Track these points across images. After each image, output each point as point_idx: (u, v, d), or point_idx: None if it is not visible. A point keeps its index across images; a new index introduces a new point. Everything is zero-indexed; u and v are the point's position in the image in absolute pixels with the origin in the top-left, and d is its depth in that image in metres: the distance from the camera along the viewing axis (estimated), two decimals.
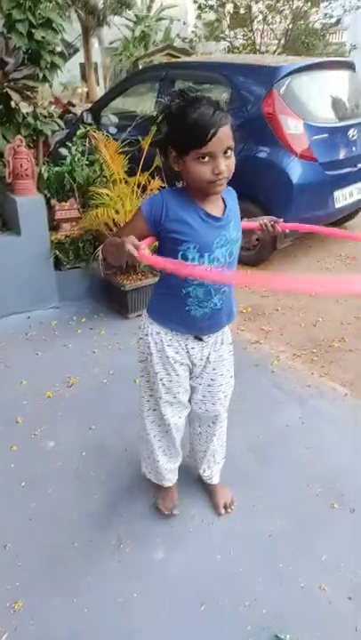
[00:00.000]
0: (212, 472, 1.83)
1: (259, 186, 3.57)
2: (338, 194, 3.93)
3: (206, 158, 1.18)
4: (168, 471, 1.76)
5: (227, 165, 1.20)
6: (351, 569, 1.61)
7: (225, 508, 1.81)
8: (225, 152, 1.19)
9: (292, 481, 1.96)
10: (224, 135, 1.16)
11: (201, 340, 1.48)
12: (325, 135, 3.81)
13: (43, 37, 3.30)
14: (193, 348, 1.49)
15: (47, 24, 3.31)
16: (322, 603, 1.51)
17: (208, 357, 1.54)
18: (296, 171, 3.61)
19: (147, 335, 1.49)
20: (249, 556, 1.66)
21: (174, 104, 1.19)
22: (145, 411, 1.65)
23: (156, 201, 1.29)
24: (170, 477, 1.78)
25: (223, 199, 1.34)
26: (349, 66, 4.55)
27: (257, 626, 1.45)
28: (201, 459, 1.81)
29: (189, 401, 1.64)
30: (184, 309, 1.39)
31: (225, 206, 1.33)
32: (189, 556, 1.67)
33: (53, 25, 3.33)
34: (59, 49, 3.57)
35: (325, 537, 1.73)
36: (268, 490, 1.90)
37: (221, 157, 1.18)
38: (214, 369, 1.57)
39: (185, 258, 1.29)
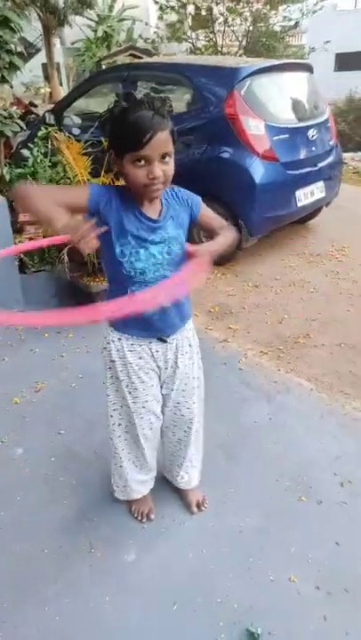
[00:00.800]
0: (190, 476, 1.80)
1: (222, 186, 3.61)
2: (299, 193, 4.02)
3: (142, 162, 1.17)
4: (137, 482, 1.73)
5: (163, 170, 1.19)
6: (319, 559, 1.65)
7: (197, 506, 1.81)
8: (162, 157, 1.18)
9: (262, 476, 1.99)
10: (161, 140, 1.16)
11: (164, 341, 1.46)
12: (286, 135, 3.89)
13: (0, 37, 3.24)
14: (157, 351, 1.48)
15: (4, 23, 3.26)
16: (291, 594, 1.55)
17: (176, 362, 1.51)
18: (258, 170, 3.66)
19: (108, 343, 1.49)
20: (220, 552, 1.68)
21: (118, 106, 1.18)
22: (111, 423, 1.62)
23: (106, 189, 1.29)
24: (139, 489, 1.75)
25: (162, 202, 1.33)
26: (308, 68, 4.65)
27: (229, 621, 1.47)
28: (179, 466, 1.77)
29: (162, 412, 1.61)
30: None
31: (162, 208, 1.33)
32: (161, 556, 1.67)
33: (11, 24, 3.28)
34: (18, 49, 3.51)
35: (294, 529, 1.76)
36: (237, 486, 1.93)
37: (158, 162, 1.18)
38: (186, 373, 1.56)
39: (126, 254, 1.30)
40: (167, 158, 1.19)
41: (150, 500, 1.82)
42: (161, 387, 1.56)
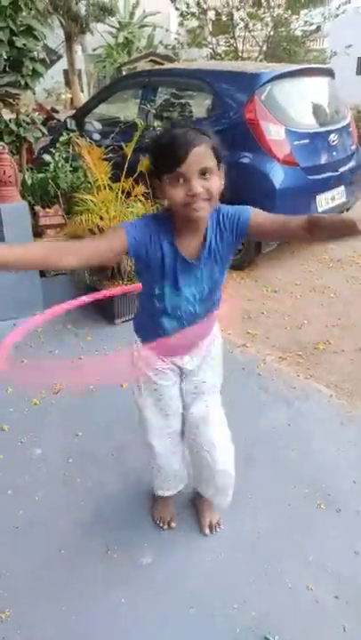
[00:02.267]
0: (228, 489, 1.69)
1: (242, 191, 3.54)
2: (320, 198, 3.99)
3: (180, 180, 1.12)
4: (165, 479, 1.72)
5: (204, 187, 1.12)
6: (337, 568, 1.63)
7: (210, 528, 1.76)
8: (202, 173, 1.12)
9: (280, 482, 1.97)
10: (197, 156, 1.10)
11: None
12: (306, 140, 3.87)
13: (24, 45, 3.31)
14: (182, 360, 1.49)
15: (28, 31, 3.32)
16: (309, 603, 1.53)
17: (196, 368, 1.51)
18: (278, 176, 3.65)
19: (137, 354, 1.52)
20: (237, 558, 1.67)
21: (155, 134, 1.19)
22: (141, 420, 1.63)
23: (143, 232, 1.22)
24: (165, 486, 1.74)
25: (206, 233, 1.25)
26: (329, 73, 4.62)
27: (246, 628, 1.45)
28: (203, 476, 1.68)
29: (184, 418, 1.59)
30: (161, 334, 1.39)
31: (204, 242, 1.25)
32: (178, 559, 1.67)
33: (34, 32, 3.34)
34: (40, 56, 3.58)
35: (312, 537, 1.74)
36: (255, 492, 1.92)
37: (196, 179, 1.12)
38: (203, 380, 1.54)
39: (158, 293, 1.30)
40: (208, 174, 1.13)
41: (173, 507, 1.81)
42: (181, 389, 1.56)
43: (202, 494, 1.77)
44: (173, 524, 1.78)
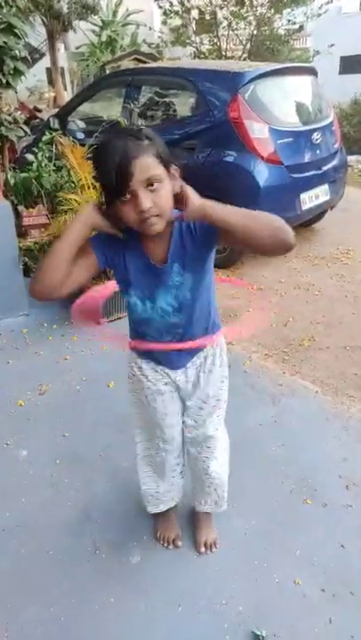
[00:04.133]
0: (211, 500, 1.68)
1: (226, 189, 3.60)
2: (304, 196, 4.01)
3: (127, 196, 1.03)
4: (157, 496, 1.66)
5: (154, 201, 1.04)
6: (324, 562, 1.65)
7: (205, 546, 1.69)
8: (148, 185, 1.03)
9: (266, 479, 1.99)
10: (139, 168, 1.01)
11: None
12: (290, 139, 3.89)
13: (5, 43, 3.26)
14: (174, 372, 1.42)
15: (8, 29, 3.28)
16: (296, 596, 1.54)
17: (199, 380, 1.43)
18: (263, 174, 3.67)
19: (129, 362, 1.48)
20: (225, 554, 1.68)
21: (94, 149, 1.08)
22: (136, 438, 1.60)
23: (107, 240, 1.19)
24: (155, 503, 1.68)
25: (171, 238, 1.18)
26: (312, 71, 4.66)
27: (233, 623, 1.46)
28: (201, 489, 1.66)
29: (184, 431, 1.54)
30: (145, 342, 1.35)
31: (170, 246, 1.18)
32: (165, 558, 1.67)
33: (15, 30, 3.30)
34: (22, 54, 3.54)
35: (299, 532, 1.76)
36: (242, 488, 1.93)
37: (143, 192, 1.03)
38: (206, 393, 1.45)
39: (134, 302, 1.26)
40: (155, 185, 1.03)
41: (177, 526, 1.75)
42: (183, 403, 1.49)
43: (197, 508, 1.73)
44: (180, 543, 1.70)
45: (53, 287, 1.13)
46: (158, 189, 1.04)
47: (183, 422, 1.51)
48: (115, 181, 1.01)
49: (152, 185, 1.03)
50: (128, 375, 1.50)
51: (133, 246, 1.20)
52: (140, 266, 1.21)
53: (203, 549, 1.69)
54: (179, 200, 1.09)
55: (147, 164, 1.02)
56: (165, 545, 1.71)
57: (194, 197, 1.08)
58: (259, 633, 1.42)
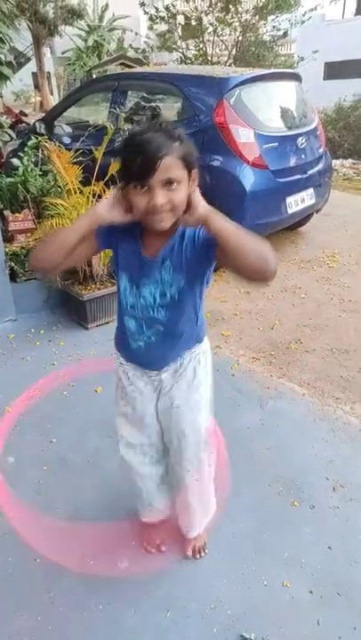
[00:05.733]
0: (190, 522, 1.65)
1: (213, 193, 3.60)
2: (290, 200, 4.06)
3: (145, 188, 1.08)
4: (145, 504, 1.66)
5: (168, 198, 1.08)
6: (312, 564, 1.65)
7: (194, 551, 1.68)
8: (166, 184, 1.07)
9: (254, 481, 1.99)
10: (163, 167, 1.05)
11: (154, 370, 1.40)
12: (276, 144, 3.93)
13: None
14: (150, 376, 1.41)
15: None
16: (285, 599, 1.55)
17: (172, 388, 1.40)
18: (249, 178, 3.69)
19: (115, 365, 1.48)
20: (213, 558, 1.68)
21: (128, 133, 1.13)
22: (118, 442, 1.58)
23: (111, 229, 1.23)
24: (145, 513, 1.68)
25: (169, 239, 1.21)
26: (296, 77, 4.71)
27: (223, 627, 1.46)
28: (180, 510, 1.64)
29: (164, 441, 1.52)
30: (127, 339, 1.37)
31: (166, 243, 1.22)
32: (154, 562, 1.67)
33: (0, 35, 3.29)
34: (7, 59, 3.53)
35: (287, 534, 1.77)
36: (230, 491, 1.93)
37: (160, 189, 1.07)
38: (181, 401, 1.41)
39: (122, 286, 1.30)
40: (174, 185, 1.08)
41: (161, 530, 1.73)
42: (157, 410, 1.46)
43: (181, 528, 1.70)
44: (163, 548, 1.70)
45: (53, 267, 1.24)
46: (175, 189, 1.09)
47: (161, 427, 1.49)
48: (137, 171, 1.06)
49: (171, 184, 1.08)
50: (114, 377, 1.51)
51: (130, 231, 1.23)
52: (130, 252, 1.25)
53: (189, 553, 1.68)
54: (187, 203, 1.13)
55: (171, 165, 1.06)
56: (150, 549, 1.71)
57: (200, 203, 1.12)
58: (248, 636, 1.42)
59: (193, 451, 1.46)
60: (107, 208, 1.16)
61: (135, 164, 1.06)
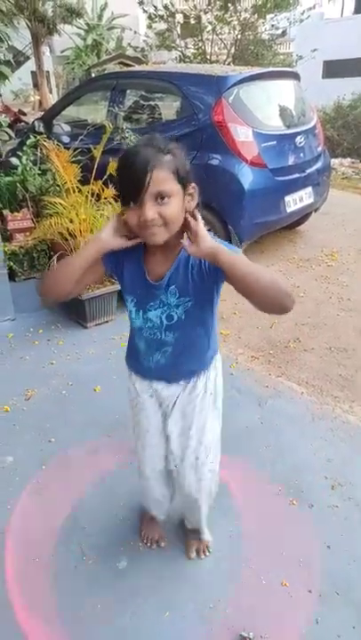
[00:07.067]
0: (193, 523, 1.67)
1: (212, 192, 3.63)
2: (288, 199, 4.05)
3: (137, 204, 1.07)
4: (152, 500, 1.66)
5: (158, 212, 1.07)
6: (310, 563, 1.65)
7: (197, 552, 1.69)
8: (157, 198, 1.06)
9: (253, 480, 1.99)
10: (153, 181, 1.04)
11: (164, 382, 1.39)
12: (274, 142, 3.92)
13: None
14: (157, 390, 1.41)
15: None
16: (283, 598, 1.55)
17: (176, 401, 1.39)
18: (247, 177, 3.69)
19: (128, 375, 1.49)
20: (212, 557, 1.68)
21: (120, 155, 1.11)
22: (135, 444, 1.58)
23: (115, 253, 1.24)
24: (152, 508, 1.69)
25: (175, 260, 1.19)
26: (295, 75, 4.70)
27: (221, 627, 1.46)
28: (183, 506, 1.66)
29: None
30: (138, 357, 1.38)
31: (172, 267, 1.20)
32: (152, 562, 1.67)
33: None
34: (5, 57, 3.52)
35: (285, 533, 1.77)
36: (228, 491, 1.93)
37: (150, 204, 1.06)
38: (183, 417, 1.41)
39: (129, 309, 1.29)
40: (165, 199, 1.06)
41: (161, 526, 1.75)
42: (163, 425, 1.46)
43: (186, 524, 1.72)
44: (163, 544, 1.72)
45: (63, 294, 1.26)
46: (167, 203, 1.07)
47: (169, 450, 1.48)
48: (128, 188, 1.07)
49: (162, 199, 1.07)
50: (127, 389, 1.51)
51: (135, 255, 1.23)
52: (134, 276, 1.24)
53: (193, 555, 1.68)
54: (189, 229, 1.11)
55: (161, 178, 1.05)
56: (149, 545, 1.72)
57: (206, 238, 1.09)
58: (246, 635, 1.42)
59: (192, 447, 1.45)
60: (110, 234, 1.18)
61: (126, 182, 1.07)
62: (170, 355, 1.31)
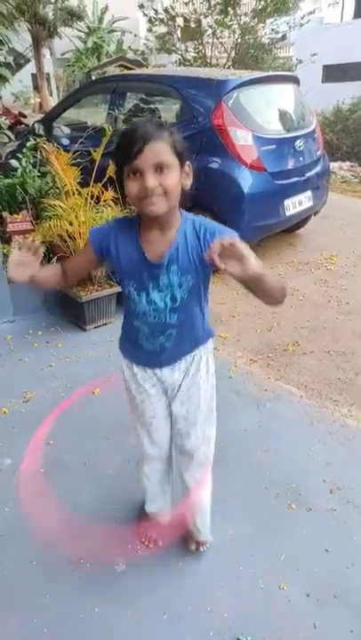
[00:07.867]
0: (198, 525, 1.66)
1: (211, 195, 3.64)
2: (288, 202, 4.06)
3: (137, 174, 1.11)
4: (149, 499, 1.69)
5: (160, 182, 1.10)
6: (309, 566, 1.65)
7: (197, 546, 1.70)
8: (157, 169, 1.10)
9: (251, 484, 1.99)
10: (153, 151, 1.08)
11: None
12: (274, 146, 3.93)
13: None
14: (156, 373, 1.42)
15: None
16: (281, 602, 1.54)
17: (181, 384, 1.42)
18: (247, 180, 3.70)
19: (122, 367, 1.49)
20: (210, 560, 1.68)
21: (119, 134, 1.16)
22: (136, 438, 1.60)
23: (106, 229, 1.28)
24: (150, 506, 1.71)
25: (175, 237, 1.21)
26: (294, 80, 4.72)
27: (219, 630, 1.46)
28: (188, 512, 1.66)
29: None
30: (137, 342, 1.37)
31: (170, 246, 1.21)
32: (150, 566, 1.66)
33: None
34: (6, 60, 3.53)
35: (284, 537, 1.76)
36: (227, 494, 1.92)
37: (151, 173, 1.09)
38: (189, 398, 1.44)
39: (129, 294, 1.29)
40: (165, 170, 1.10)
41: (160, 526, 1.74)
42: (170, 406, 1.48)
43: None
44: (160, 543, 1.72)
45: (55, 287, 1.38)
46: (166, 174, 1.11)
47: (172, 429, 1.52)
48: (129, 152, 1.09)
49: (161, 170, 1.11)
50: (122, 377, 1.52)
51: (130, 236, 1.24)
52: (132, 257, 1.24)
53: (193, 547, 1.70)
54: (235, 256, 1.04)
55: (160, 149, 1.10)
56: (146, 543, 1.72)
57: (251, 258, 1.04)
58: (244, 639, 1.41)
59: (198, 423, 1.48)
60: (12, 269, 1.21)
61: (127, 148, 1.10)
62: (175, 337, 1.33)
